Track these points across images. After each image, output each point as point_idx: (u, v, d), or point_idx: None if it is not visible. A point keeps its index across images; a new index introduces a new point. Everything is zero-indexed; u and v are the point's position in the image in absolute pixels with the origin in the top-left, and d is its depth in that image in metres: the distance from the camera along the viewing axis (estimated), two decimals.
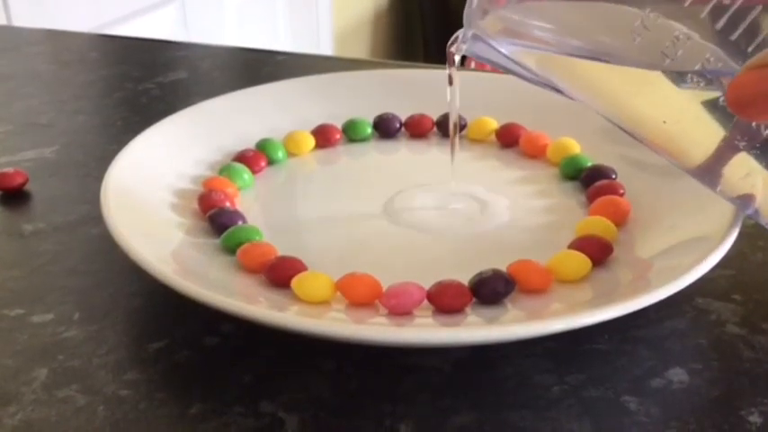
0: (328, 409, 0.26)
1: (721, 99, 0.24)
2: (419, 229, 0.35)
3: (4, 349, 0.29)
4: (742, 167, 0.27)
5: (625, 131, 0.29)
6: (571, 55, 0.28)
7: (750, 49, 0.24)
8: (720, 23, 0.24)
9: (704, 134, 0.27)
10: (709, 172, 0.27)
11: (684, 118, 0.27)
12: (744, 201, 0.28)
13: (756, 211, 0.28)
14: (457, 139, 0.36)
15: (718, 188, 0.28)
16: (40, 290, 0.33)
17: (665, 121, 0.28)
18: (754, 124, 0.25)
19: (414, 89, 0.45)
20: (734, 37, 0.24)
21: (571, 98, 0.30)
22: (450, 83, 0.35)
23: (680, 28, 0.25)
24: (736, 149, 0.26)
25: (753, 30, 0.24)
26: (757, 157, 0.26)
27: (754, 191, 0.27)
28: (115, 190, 0.34)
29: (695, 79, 0.25)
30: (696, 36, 0.25)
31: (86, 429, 0.25)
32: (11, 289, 0.33)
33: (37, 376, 0.28)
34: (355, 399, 0.26)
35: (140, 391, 0.27)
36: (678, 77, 0.26)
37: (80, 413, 0.26)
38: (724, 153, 0.27)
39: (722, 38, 0.24)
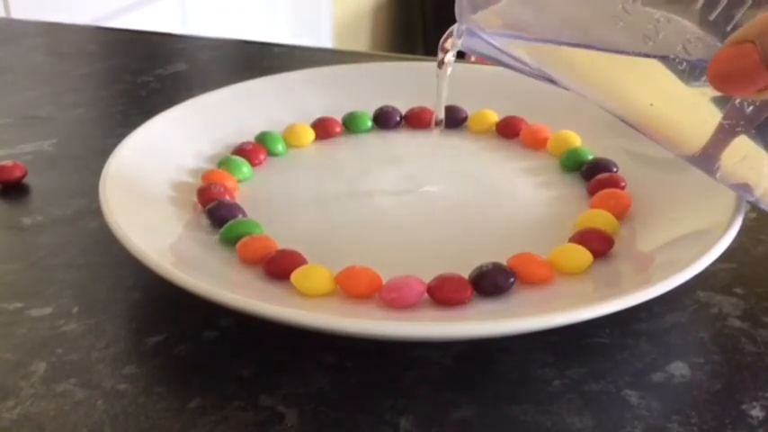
0: (328, 403, 0.26)
1: (704, 79, 0.25)
2: (419, 222, 0.35)
3: (2, 343, 0.29)
4: (738, 152, 0.27)
5: (622, 120, 0.30)
6: (561, 44, 0.28)
7: (728, 28, 0.24)
8: (699, 4, 0.25)
9: (699, 119, 0.27)
10: (707, 158, 0.28)
11: (676, 103, 0.28)
12: (742, 186, 0.28)
13: (755, 197, 0.28)
14: (437, 137, 0.37)
15: (718, 174, 0.28)
16: (39, 283, 0.32)
17: (651, 104, 0.28)
18: (737, 101, 0.25)
19: (414, 82, 0.45)
20: (713, 17, 0.25)
21: (565, 88, 0.30)
22: (439, 77, 0.35)
23: (660, 10, 0.25)
24: (731, 132, 0.26)
25: (731, 8, 0.24)
26: (753, 138, 0.26)
27: (751, 175, 0.27)
28: (114, 183, 0.34)
29: (678, 60, 0.25)
30: (676, 18, 0.25)
31: (85, 423, 0.25)
32: (9, 282, 0.33)
33: (35, 370, 0.28)
34: (355, 393, 0.26)
35: (139, 385, 0.27)
36: (665, 61, 0.26)
37: (79, 407, 0.26)
38: (720, 137, 0.27)
39: (702, 18, 0.25)
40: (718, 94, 0.25)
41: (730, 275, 0.31)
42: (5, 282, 0.33)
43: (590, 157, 0.38)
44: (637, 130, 0.29)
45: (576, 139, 0.40)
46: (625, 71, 0.28)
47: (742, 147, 0.26)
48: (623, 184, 0.36)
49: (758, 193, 0.27)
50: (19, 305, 0.31)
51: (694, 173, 0.31)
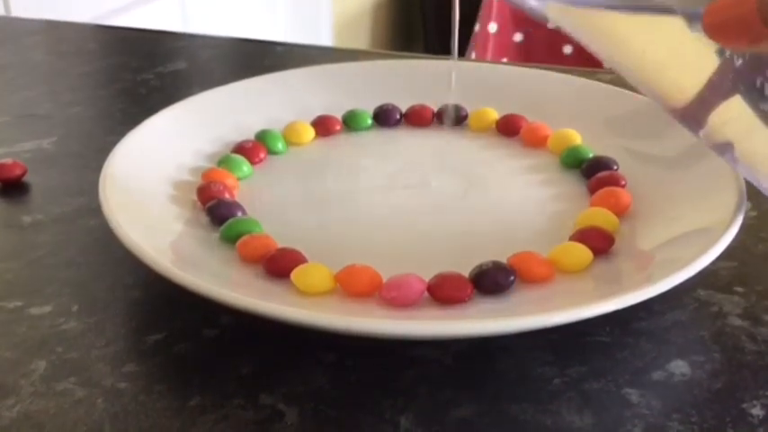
0: (328, 402, 0.26)
1: (698, 28, 0.24)
2: (419, 220, 0.35)
3: (2, 341, 0.29)
4: (725, 113, 0.27)
5: (618, 71, 0.29)
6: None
7: None
8: None
9: (689, 72, 0.27)
10: (694, 115, 0.27)
11: (668, 53, 0.27)
12: (724, 145, 0.28)
13: (735, 156, 0.28)
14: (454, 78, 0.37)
15: (701, 132, 0.28)
16: (39, 282, 0.32)
17: (644, 51, 0.28)
18: (727, 53, 0.25)
19: (414, 80, 0.45)
20: None
21: (560, 28, 0.30)
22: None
23: None
24: (720, 88, 0.26)
25: None
26: (743, 97, 0.26)
27: (734, 135, 0.27)
28: (113, 181, 0.34)
29: (677, 11, 0.25)
30: None
31: (85, 422, 0.25)
32: (9, 281, 0.33)
33: (35, 368, 0.28)
34: (355, 391, 0.26)
35: (139, 384, 0.27)
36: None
37: (79, 406, 0.26)
38: (708, 92, 0.27)
39: None
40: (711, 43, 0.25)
41: (731, 274, 0.31)
42: (5, 280, 0.33)
43: (590, 155, 0.38)
44: (629, 80, 0.29)
45: (576, 137, 0.40)
46: (619, 17, 0.28)
47: (730, 107, 0.26)
48: (623, 182, 0.36)
49: (739, 153, 0.27)
50: (19, 303, 0.31)
51: (695, 171, 0.31)
